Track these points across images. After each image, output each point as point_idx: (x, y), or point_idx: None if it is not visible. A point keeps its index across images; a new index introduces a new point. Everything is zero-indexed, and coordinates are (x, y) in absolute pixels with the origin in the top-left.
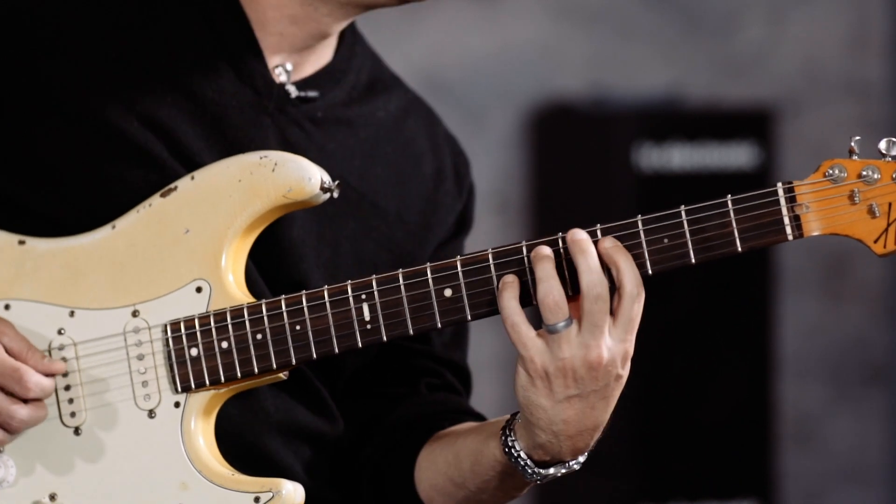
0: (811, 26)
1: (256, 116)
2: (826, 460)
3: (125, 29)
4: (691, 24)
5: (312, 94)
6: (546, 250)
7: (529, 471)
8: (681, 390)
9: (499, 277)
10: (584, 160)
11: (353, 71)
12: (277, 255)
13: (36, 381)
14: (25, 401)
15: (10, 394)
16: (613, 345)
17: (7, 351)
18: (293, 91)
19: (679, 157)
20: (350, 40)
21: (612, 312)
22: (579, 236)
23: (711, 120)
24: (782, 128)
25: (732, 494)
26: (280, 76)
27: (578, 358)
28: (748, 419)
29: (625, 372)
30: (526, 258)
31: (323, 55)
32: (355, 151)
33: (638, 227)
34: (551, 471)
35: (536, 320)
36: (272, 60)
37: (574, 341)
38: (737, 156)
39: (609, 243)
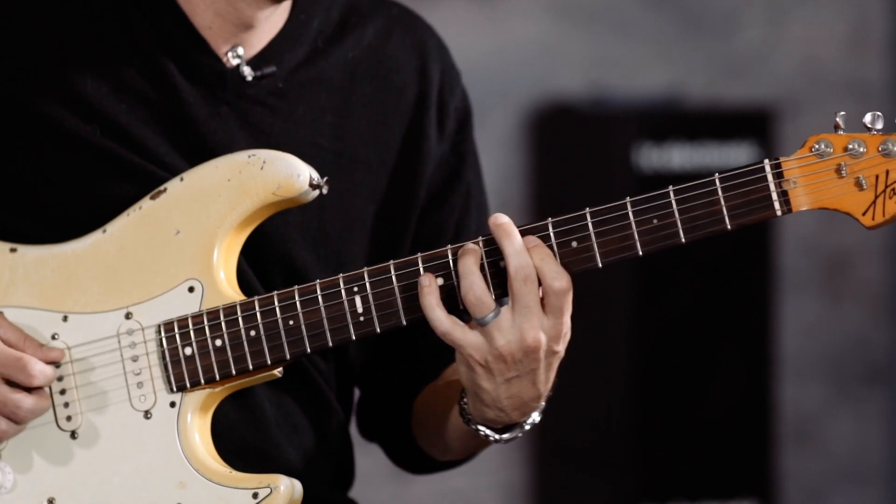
0: (811, 26)
1: (214, 108)
2: (826, 460)
3: (71, 40)
4: (691, 24)
5: (269, 69)
6: (470, 246)
7: (492, 438)
8: (681, 390)
9: (490, 265)
10: (584, 160)
11: (318, 15)
12: (262, 235)
13: (40, 369)
14: (28, 390)
15: (13, 384)
16: (548, 326)
17: (4, 342)
18: (248, 72)
19: (679, 157)
20: None
21: (542, 302)
22: (501, 220)
23: (711, 120)
24: (782, 128)
25: (732, 494)
26: (233, 60)
27: (515, 343)
28: (748, 419)
29: (561, 348)
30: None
31: (275, 23)
32: (327, 108)
33: (627, 208)
34: (508, 435)
35: None
36: (221, 47)
37: (507, 328)
38: (737, 156)
39: (531, 243)
